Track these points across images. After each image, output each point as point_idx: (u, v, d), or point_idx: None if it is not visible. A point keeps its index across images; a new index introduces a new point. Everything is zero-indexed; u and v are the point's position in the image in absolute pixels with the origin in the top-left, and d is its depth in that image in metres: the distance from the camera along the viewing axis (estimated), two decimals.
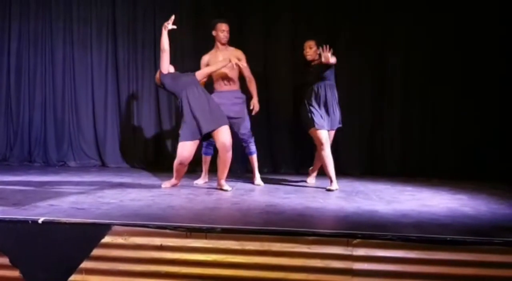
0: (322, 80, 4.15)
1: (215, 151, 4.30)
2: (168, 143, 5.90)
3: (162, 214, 2.82)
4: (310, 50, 4.23)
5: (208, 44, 4.59)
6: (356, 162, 5.47)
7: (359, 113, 5.48)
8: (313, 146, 4.46)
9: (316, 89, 4.15)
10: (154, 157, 5.94)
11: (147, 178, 4.77)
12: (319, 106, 4.13)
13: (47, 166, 5.86)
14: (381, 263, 2.29)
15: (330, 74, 4.16)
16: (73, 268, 2.40)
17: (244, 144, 4.45)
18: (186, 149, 3.93)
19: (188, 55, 5.67)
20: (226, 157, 3.96)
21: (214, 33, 4.42)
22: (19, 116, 6.12)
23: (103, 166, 5.93)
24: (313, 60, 4.26)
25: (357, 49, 5.43)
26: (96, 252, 2.41)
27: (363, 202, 3.40)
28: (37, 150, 6.03)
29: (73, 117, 6.08)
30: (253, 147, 4.45)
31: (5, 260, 2.45)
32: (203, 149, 4.52)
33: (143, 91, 6.01)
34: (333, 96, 4.19)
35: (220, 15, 4.91)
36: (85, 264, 2.41)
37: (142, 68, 6.00)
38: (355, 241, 2.30)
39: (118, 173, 5.16)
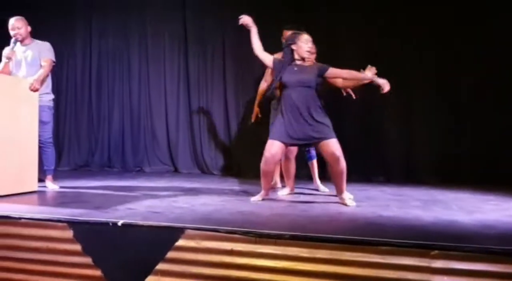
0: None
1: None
2: (237, 149, 5.99)
3: (232, 219, 2.85)
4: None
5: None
6: (432, 169, 5.22)
7: (434, 118, 5.25)
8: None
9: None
10: (223, 163, 6.06)
11: (216, 184, 4.86)
12: None
13: (125, 171, 6.17)
14: (462, 277, 2.14)
15: None
16: (150, 269, 2.48)
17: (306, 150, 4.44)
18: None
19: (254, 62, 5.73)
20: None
21: None
22: (99, 125, 6.52)
23: (175, 171, 6.14)
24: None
25: (429, 54, 5.23)
26: (170, 254, 2.48)
27: (441, 212, 3.22)
28: (116, 156, 6.38)
29: (148, 126, 6.37)
30: (313, 152, 4.41)
31: (88, 260, 2.59)
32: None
33: (213, 100, 6.17)
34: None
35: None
36: (160, 266, 2.48)
37: (212, 78, 6.17)
38: (433, 253, 2.17)
39: (190, 179, 5.32)
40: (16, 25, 4.16)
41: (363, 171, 5.37)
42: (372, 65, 3.80)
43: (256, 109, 4.59)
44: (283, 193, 4.10)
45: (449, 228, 2.69)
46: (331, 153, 3.46)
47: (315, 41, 3.93)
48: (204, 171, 6.04)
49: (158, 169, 6.20)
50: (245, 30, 5.88)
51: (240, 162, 5.90)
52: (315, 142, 3.54)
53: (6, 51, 4.16)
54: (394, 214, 3.14)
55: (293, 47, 3.65)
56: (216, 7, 6.11)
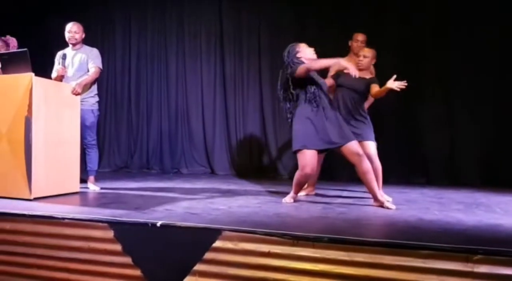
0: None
1: None
2: (273, 151, 5.98)
3: (268, 221, 2.84)
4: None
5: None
6: (475, 171, 5.06)
7: (477, 118, 5.09)
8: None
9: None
10: (259, 165, 6.06)
11: (253, 186, 4.87)
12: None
13: (163, 173, 6.28)
14: None
15: None
16: (187, 269, 2.51)
17: None
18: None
19: None
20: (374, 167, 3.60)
21: (350, 42, 4.47)
22: (138, 127, 6.66)
23: (212, 173, 6.20)
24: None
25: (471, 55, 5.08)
26: (208, 255, 2.50)
27: (484, 215, 3.11)
28: (154, 158, 6.50)
29: (185, 128, 6.46)
30: None
31: (128, 260, 2.64)
32: None
33: (249, 100, 6.19)
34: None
35: (320, 28, 4.91)
36: (198, 267, 2.51)
37: (248, 78, 6.20)
38: (476, 257, 2.10)
39: (226, 180, 5.36)
40: (74, 29, 4.30)
41: (403, 173, 5.27)
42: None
43: None
44: (301, 193, 4.05)
45: (493, 232, 2.60)
46: (355, 153, 3.44)
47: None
48: (240, 173, 6.06)
49: (195, 171, 6.28)
50: (282, 29, 5.91)
51: (276, 164, 5.90)
52: (339, 146, 3.50)
53: (57, 67, 4.30)
54: (435, 217, 3.06)
55: (299, 55, 3.63)
56: (252, 4, 6.14)
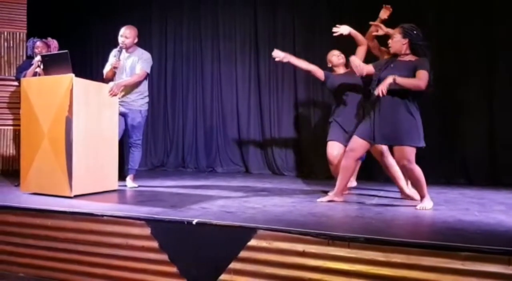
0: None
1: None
2: (307, 150, 5.94)
3: (303, 220, 2.83)
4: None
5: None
6: None
7: None
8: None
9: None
10: (293, 164, 6.04)
11: (287, 185, 4.86)
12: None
13: (198, 171, 6.34)
14: None
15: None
16: (223, 267, 2.54)
17: None
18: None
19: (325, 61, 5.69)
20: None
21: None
22: (174, 127, 6.76)
23: (247, 172, 6.22)
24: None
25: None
26: (243, 254, 2.52)
27: None
28: (190, 157, 6.58)
29: (220, 127, 6.50)
30: None
31: (164, 257, 2.69)
32: None
33: (283, 101, 6.17)
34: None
35: (358, 27, 4.82)
36: (233, 265, 2.53)
37: (282, 79, 6.17)
38: None
39: (261, 179, 5.36)
40: (125, 33, 4.36)
41: (442, 172, 5.12)
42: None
43: None
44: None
45: None
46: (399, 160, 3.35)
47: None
48: (274, 172, 6.07)
49: (229, 169, 6.31)
50: (317, 29, 5.84)
51: (311, 163, 5.86)
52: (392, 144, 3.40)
53: (112, 59, 4.40)
54: (475, 218, 2.97)
55: None
56: (286, 4, 6.12)
